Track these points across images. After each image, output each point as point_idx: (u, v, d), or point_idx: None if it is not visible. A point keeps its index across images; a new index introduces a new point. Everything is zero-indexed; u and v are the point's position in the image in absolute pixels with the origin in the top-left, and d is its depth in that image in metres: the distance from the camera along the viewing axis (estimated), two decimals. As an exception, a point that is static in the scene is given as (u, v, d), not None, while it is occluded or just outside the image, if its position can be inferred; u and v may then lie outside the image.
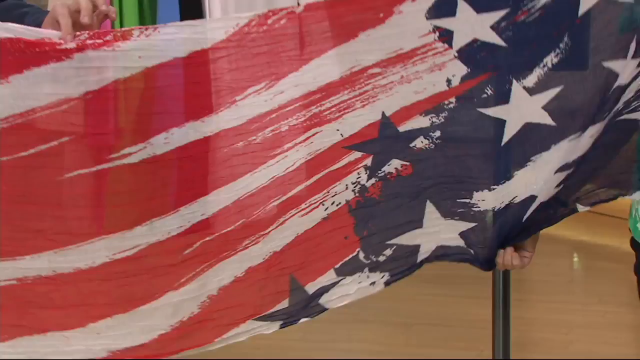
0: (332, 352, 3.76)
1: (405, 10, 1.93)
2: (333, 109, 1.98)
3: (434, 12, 1.95)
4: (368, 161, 2.03)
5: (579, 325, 4.13)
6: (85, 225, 1.93)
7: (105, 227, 1.93)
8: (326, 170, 2.01)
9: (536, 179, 2.05)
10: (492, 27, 1.97)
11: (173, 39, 1.88)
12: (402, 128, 2.02)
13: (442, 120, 2.02)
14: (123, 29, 1.87)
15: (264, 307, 2.05)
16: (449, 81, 2.00)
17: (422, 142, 2.03)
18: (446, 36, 1.97)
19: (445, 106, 2.01)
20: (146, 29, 1.86)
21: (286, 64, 1.93)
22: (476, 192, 2.07)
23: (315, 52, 1.94)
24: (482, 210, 2.08)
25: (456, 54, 1.97)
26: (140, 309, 1.98)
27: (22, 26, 1.81)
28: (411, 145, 2.04)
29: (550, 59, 1.99)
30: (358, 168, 2.03)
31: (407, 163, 2.05)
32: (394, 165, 2.04)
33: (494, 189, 2.07)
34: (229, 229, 1.98)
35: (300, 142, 1.98)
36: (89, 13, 1.81)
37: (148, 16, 3.16)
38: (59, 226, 1.91)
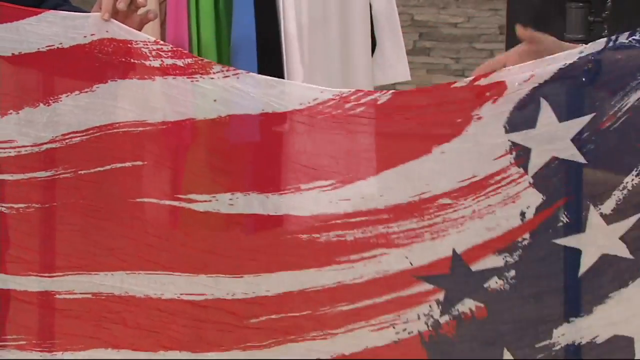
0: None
1: (485, 114, 1.83)
2: (401, 235, 1.86)
3: (515, 119, 1.84)
4: (440, 295, 1.90)
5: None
6: (153, 254, 1.91)
7: (172, 263, 1.90)
8: (396, 294, 1.89)
9: (619, 317, 1.86)
10: (574, 140, 1.84)
11: (248, 92, 1.83)
12: (474, 267, 1.90)
13: (517, 258, 1.90)
14: (205, 60, 1.88)
15: None
16: (522, 214, 1.88)
17: (496, 282, 1.90)
18: (522, 157, 1.86)
19: (519, 244, 1.90)
20: (227, 70, 1.84)
21: (353, 167, 1.85)
22: (555, 329, 1.92)
23: (385, 162, 1.86)
24: (563, 346, 1.91)
25: (531, 180, 1.86)
26: (208, 354, 1.93)
27: (116, 22, 1.82)
28: (485, 285, 1.91)
29: (631, 179, 1.86)
30: (430, 300, 1.90)
31: (482, 305, 1.91)
32: (467, 305, 1.91)
33: (572, 321, 1.91)
34: (294, 314, 1.89)
35: (367, 258, 1.87)
36: (125, 0, 1.81)
37: (224, 20, 3.19)
38: (129, 248, 1.91)
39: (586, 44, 1.87)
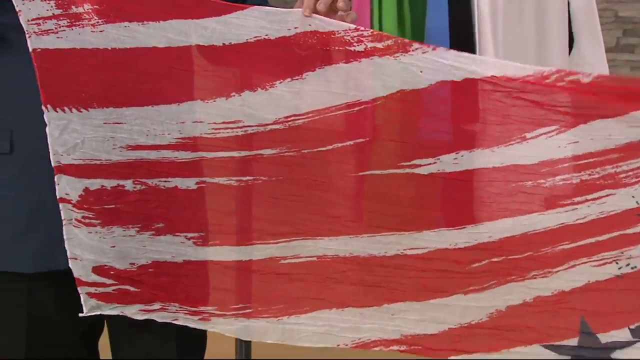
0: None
1: None
2: (630, 174, 1.88)
3: None
4: None
5: None
6: (375, 218, 2.00)
7: (397, 225, 1.99)
8: (619, 232, 1.92)
9: None
10: None
11: (449, 64, 1.90)
12: None
13: None
14: (403, 39, 1.93)
15: (552, 337, 2.01)
16: None
17: None
18: None
19: None
20: (425, 46, 1.91)
21: (569, 117, 1.88)
22: None
23: (608, 110, 1.86)
24: None
25: None
26: (431, 301, 2.01)
27: (318, 16, 1.90)
28: None
29: None
30: None
31: None
32: None
33: None
34: (516, 256, 1.96)
35: (591, 199, 1.90)
36: (325, 2, 1.89)
37: (407, 14, 3.20)
38: (353, 215, 2.00)
39: None
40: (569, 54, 3.21)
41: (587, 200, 1.91)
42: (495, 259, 1.97)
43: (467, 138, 1.94)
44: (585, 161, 1.89)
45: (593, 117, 1.87)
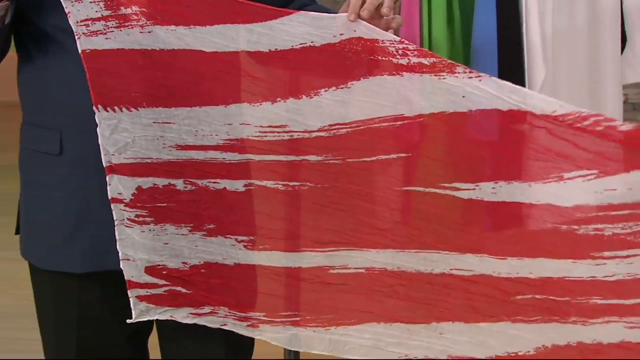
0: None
1: None
2: None
3: None
4: None
5: None
6: (420, 235, 1.97)
7: (439, 245, 1.96)
8: None
9: None
10: None
11: (492, 93, 1.85)
12: None
13: None
14: (448, 60, 1.88)
15: None
16: None
17: None
18: None
19: None
20: (470, 71, 1.86)
21: (610, 163, 1.80)
22: None
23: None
24: None
25: None
26: (479, 324, 1.97)
27: (363, 23, 1.87)
28: None
29: None
30: None
31: None
32: None
33: None
34: (555, 298, 1.91)
35: (621, 257, 1.84)
36: (369, 8, 1.85)
37: (457, 18, 3.17)
38: (398, 230, 1.97)
39: None
40: (622, 52, 3.17)
41: (616, 257, 1.85)
42: (538, 296, 1.92)
43: (506, 168, 1.89)
44: (620, 212, 1.82)
45: (636, 166, 1.80)
